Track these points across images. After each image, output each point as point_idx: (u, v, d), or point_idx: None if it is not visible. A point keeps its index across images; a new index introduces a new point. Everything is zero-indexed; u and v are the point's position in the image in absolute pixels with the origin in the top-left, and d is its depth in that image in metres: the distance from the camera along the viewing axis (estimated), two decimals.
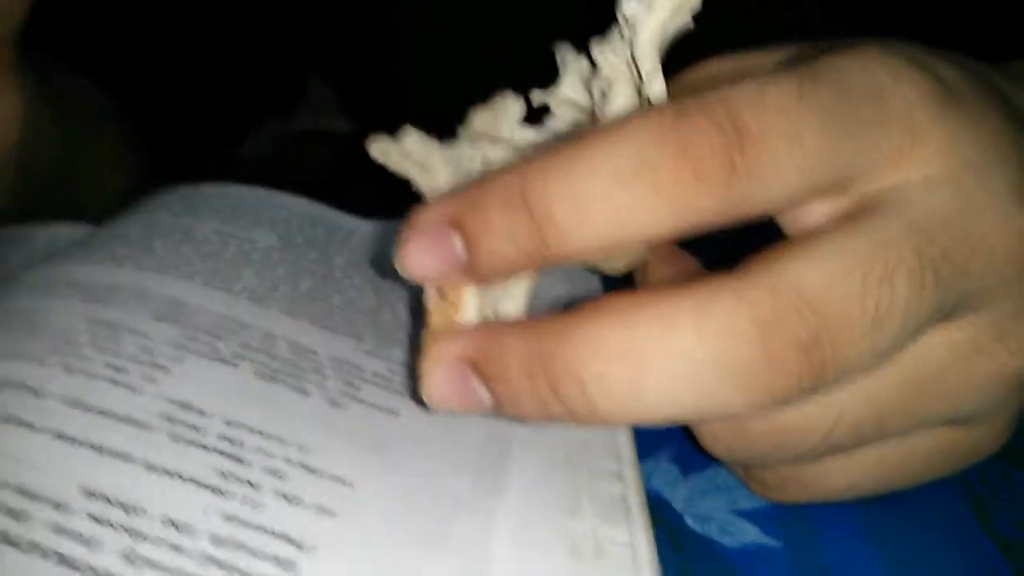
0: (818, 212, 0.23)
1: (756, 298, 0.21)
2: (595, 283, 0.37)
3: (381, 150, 0.26)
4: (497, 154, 0.26)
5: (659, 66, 0.24)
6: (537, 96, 0.27)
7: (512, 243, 0.22)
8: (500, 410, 0.23)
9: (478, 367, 0.23)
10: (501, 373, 0.22)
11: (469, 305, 0.24)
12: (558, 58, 0.27)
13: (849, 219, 0.22)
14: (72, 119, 0.48)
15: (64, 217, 0.42)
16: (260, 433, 0.25)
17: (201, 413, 0.25)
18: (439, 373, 0.23)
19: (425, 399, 0.23)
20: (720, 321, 0.21)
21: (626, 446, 0.28)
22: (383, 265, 0.36)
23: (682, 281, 0.22)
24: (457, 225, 0.22)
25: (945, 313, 0.23)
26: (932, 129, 0.23)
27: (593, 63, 0.25)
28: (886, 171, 0.23)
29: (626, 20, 0.24)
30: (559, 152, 0.22)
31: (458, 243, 0.22)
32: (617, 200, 0.21)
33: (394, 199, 0.29)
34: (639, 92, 0.24)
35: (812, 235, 0.22)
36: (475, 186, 0.22)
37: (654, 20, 0.24)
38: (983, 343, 0.24)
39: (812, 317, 0.21)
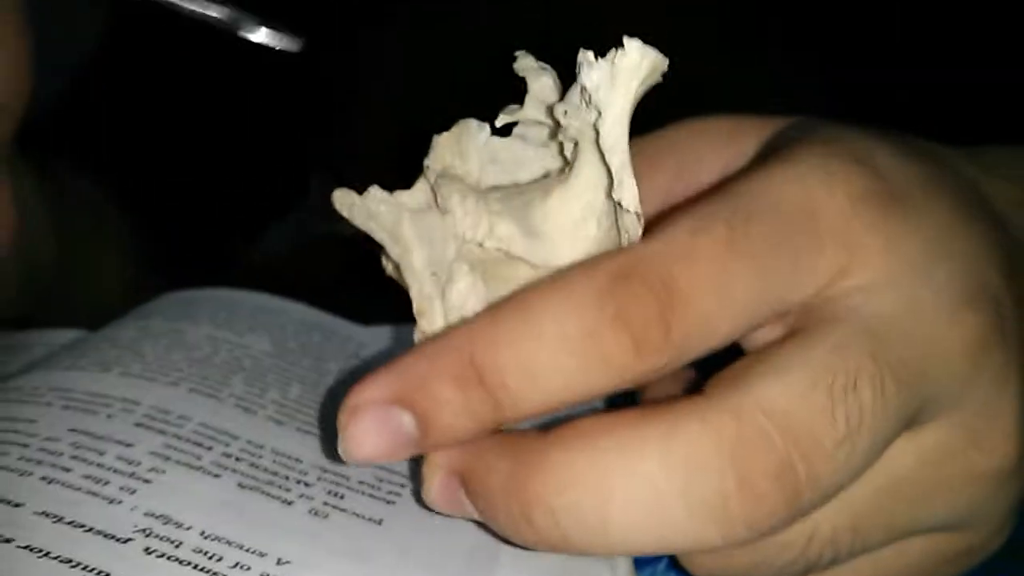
0: (769, 332, 0.23)
1: (721, 423, 0.21)
2: None
3: (346, 204, 0.25)
4: (467, 223, 0.25)
5: (628, 161, 0.23)
6: (502, 119, 0.26)
7: (467, 415, 0.22)
8: (486, 522, 0.23)
9: (463, 481, 0.23)
10: (482, 491, 0.22)
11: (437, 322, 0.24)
12: (519, 70, 0.26)
13: (801, 332, 0.22)
14: (71, 219, 0.49)
15: (61, 317, 0.42)
16: (239, 546, 0.24)
17: (178, 525, 0.24)
18: (436, 481, 0.23)
19: (430, 507, 0.24)
20: (685, 449, 0.20)
21: (623, 556, 0.27)
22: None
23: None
24: (405, 403, 0.22)
25: (911, 419, 0.22)
26: (870, 237, 0.23)
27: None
28: (825, 289, 0.23)
29: (588, 93, 0.23)
30: (505, 318, 0.22)
31: (408, 421, 0.22)
32: (564, 367, 0.21)
33: (401, 303, 0.28)
34: (609, 176, 0.24)
35: (770, 351, 0.22)
36: (420, 358, 0.22)
37: (619, 101, 0.23)
38: (954, 446, 0.23)
39: (781, 440, 0.20)
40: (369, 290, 0.31)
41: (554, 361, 0.21)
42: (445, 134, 0.27)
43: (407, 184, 0.26)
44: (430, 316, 0.25)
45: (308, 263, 0.59)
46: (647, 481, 0.20)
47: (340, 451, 0.23)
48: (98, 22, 0.55)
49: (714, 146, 0.29)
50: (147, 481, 0.26)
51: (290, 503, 0.26)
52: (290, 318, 0.38)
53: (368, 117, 0.54)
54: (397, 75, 0.51)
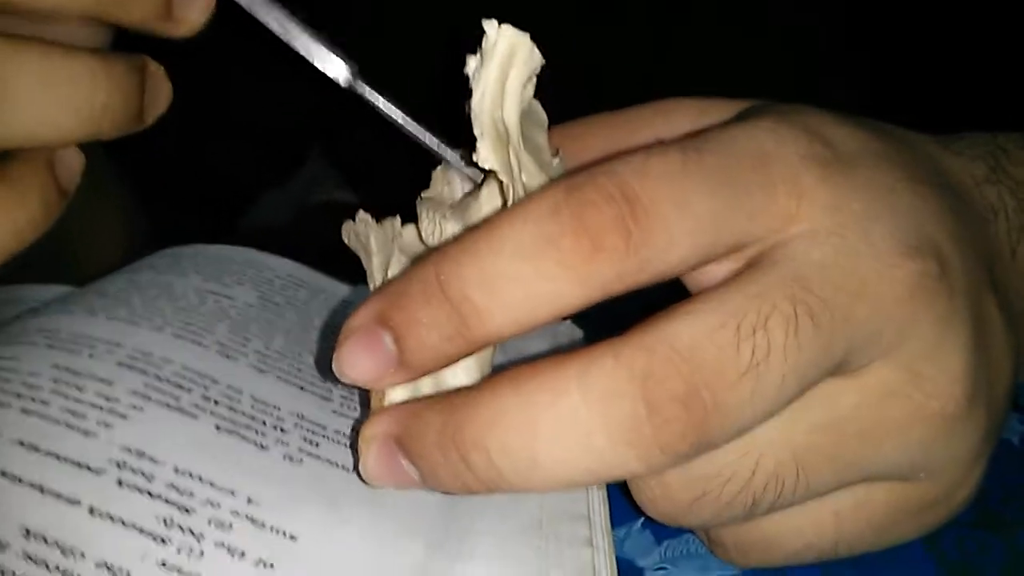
0: (717, 272, 0.24)
1: (633, 357, 0.22)
2: (578, 335, 0.37)
3: (345, 232, 0.28)
4: (427, 228, 0.27)
5: (491, 129, 0.25)
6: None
7: (436, 331, 0.23)
8: (426, 484, 0.24)
9: (401, 444, 0.24)
10: (420, 449, 0.23)
11: (397, 389, 0.25)
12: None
13: (733, 277, 0.23)
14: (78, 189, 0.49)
15: (56, 277, 0.42)
16: (210, 484, 0.24)
17: (152, 460, 0.25)
18: (372, 452, 0.24)
19: (364, 477, 0.24)
20: (601, 382, 0.22)
21: (599, 512, 0.27)
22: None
23: None
24: (384, 323, 0.23)
25: (840, 358, 0.23)
26: (817, 189, 0.24)
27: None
28: (775, 232, 0.24)
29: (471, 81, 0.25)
30: (468, 238, 0.23)
31: (388, 340, 0.23)
32: (524, 275, 0.22)
33: None
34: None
35: (694, 296, 0.23)
36: (397, 282, 0.23)
37: (487, 76, 0.25)
38: (895, 386, 0.24)
39: (687, 369, 0.22)
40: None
41: (512, 270, 0.22)
42: (439, 168, 0.29)
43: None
44: None
45: (302, 231, 0.59)
46: (569, 413, 0.22)
47: (335, 370, 0.24)
48: None
49: (688, 121, 0.30)
50: (124, 417, 0.26)
51: (265, 447, 0.27)
52: (277, 273, 0.38)
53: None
54: (397, 48, 0.52)
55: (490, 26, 0.25)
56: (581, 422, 0.22)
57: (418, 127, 0.28)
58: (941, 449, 0.25)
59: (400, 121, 0.28)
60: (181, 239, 0.44)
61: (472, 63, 0.25)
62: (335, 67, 0.28)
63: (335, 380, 0.24)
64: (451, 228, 0.26)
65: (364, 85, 0.28)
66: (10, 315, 0.39)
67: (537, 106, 0.28)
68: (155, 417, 0.26)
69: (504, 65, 0.25)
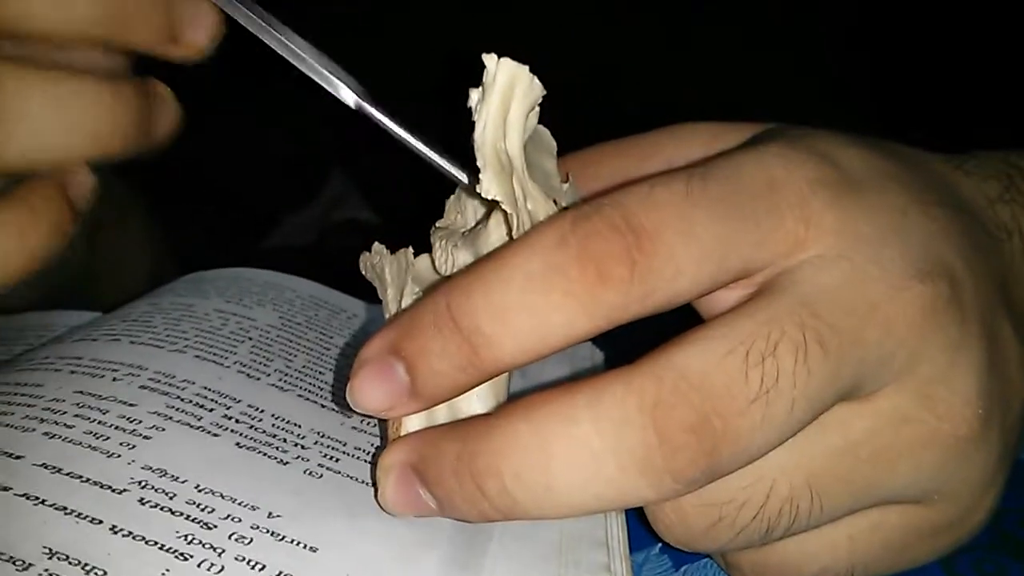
0: (729, 298, 0.24)
1: (643, 385, 0.22)
2: (599, 358, 0.37)
3: (362, 263, 0.29)
4: (440, 258, 0.28)
5: (493, 159, 0.25)
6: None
7: (447, 361, 0.23)
8: (444, 513, 0.24)
9: (418, 472, 0.24)
10: (436, 477, 0.24)
11: (412, 418, 0.25)
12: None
13: (742, 303, 0.23)
14: (98, 215, 0.49)
15: (83, 304, 0.43)
16: (231, 499, 0.24)
17: (174, 479, 0.25)
18: (390, 481, 0.25)
19: (383, 507, 0.25)
20: (612, 410, 0.22)
21: (618, 538, 0.27)
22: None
23: None
24: (397, 353, 0.24)
25: (851, 383, 0.23)
26: (826, 213, 0.24)
27: None
28: (784, 257, 0.24)
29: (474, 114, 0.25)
30: (478, 269, 0.23)
31: (400, 370, 0.24)
32: (533, 306, 0.22)
33: None
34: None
35: (703, 323, 0.23)
36: (410, 312, 0.24)
37: (488, 109, 0.25)
38: (907, 410, 0.24)
39: (697, 398, 0.22)
40: None
41: (522, 299, 0.22)
42: (452, 197, 0.30)
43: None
44: None
45: (324, 250, 0.60)
46: (581, 441, 0.22)
47: (349, 400, 0.24)
48: None
49: (700, 146, 0.30)
50: (146, 438, 0.26)
51: (286, 463, 0.27)
52: (298, 294, 0.39)
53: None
54: (414, 67, 0.52)
55: (489, 60, 0.25)
56: (593, 450, 0.22)
57: (427, 147, 0.29)
58: (954, 472, 0.24)
59: (409, 141, 0.29)
60: (205, 263, 0.44)
61: (474, 96, 0.25)
62: (344, 90, 0.29)
63: (351, 410, 0.24)
64: (463, 257, 0.27)
65: (373, 107, 0.29)
66: (36, 341, 0.40)
67: (545, 133, 0.28)
68: (176, 437, 0.27)
69: (505, 97, 0.25)
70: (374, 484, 0.25)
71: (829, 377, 0.22)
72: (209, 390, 0.29)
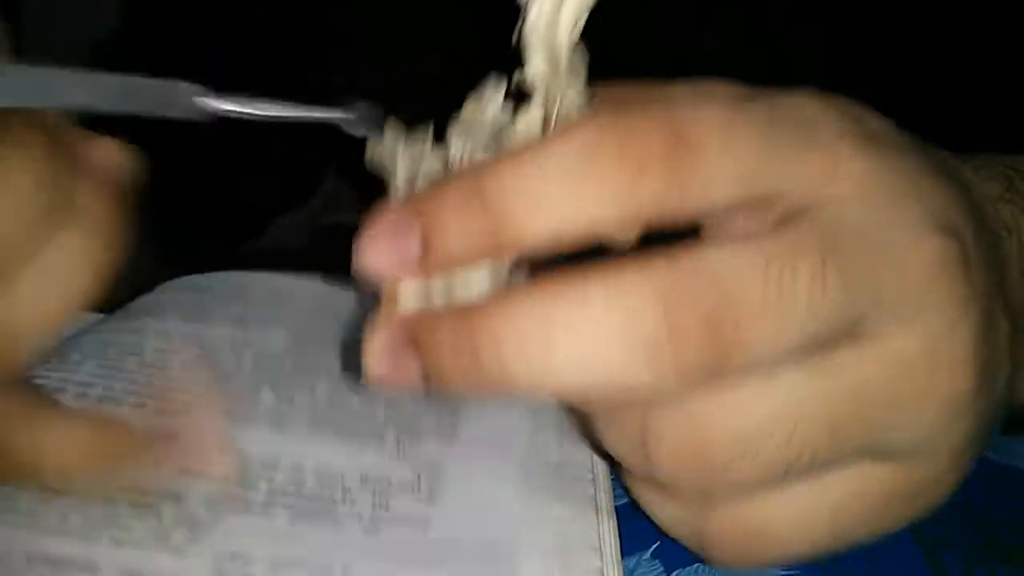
0: (743, 227, 0.25)
1: (662, 275, 0.22)
2: None
3: (370, 150, 0.29)
4: (454, 150, 0.28)
5: (539, 43, 0.25)
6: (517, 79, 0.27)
7: (467, 236, 0.24)
8: (428, 380, 0.25)
9: (413, 337, 0.25)
10: (431, 343, 0.24)
11: (409, 296, 0.26)
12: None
13: (765, 229, 0.24)
14: None
15: None
16: (303, 565, 0.26)
17: (247, 561, 0.27)
18: (378, 344, 0.25)
19: (366, 373, 0.25)
20: (627, 295, 0.22)
21: (610, 543, 0.29)
22: None
23: None
24: (416, 219, 0.24)
25: (862, 314, 0.24)
26: (854, 157, 0.25)
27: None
28: (809, 190, 0.24)
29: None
30: (513, 154, 0.24)
31: (414, 239, 0.24)
32: (565, 189, 0.23)
33: None
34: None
35: (728, 235, 0.24)
36: (435, 186, 0.25)
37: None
38: (912, 356, 0.25)
39: (714, 293, 0.22)
40: None
41: (555, 185, 0.23)
42: (473, 94, 0.29)
43: None
44: None
45: (317, 252, 0.60)
46: (590, 322, 0.22)
47: (356, 260, 0.25)
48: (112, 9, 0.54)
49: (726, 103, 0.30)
50: (207, 528, 0.28)
51: (340, 523, 0.28)
52: (304, 302, 0.39)
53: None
54: (407, 65, 0.51)
55: None
56: (601, 332, 0.22)
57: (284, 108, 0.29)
58: (944, 428, 0.26)
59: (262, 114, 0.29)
60: (194, 263, 0.44)
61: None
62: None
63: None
64: (480, 157, 0.27)
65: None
66: None
67: (579, 51, 0.27)
68: (233, 524, 0.28)
69: None
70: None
71: (842, 301, 0.23)
72: (249, 461, 0.30)
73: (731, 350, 0.23)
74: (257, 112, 0.29)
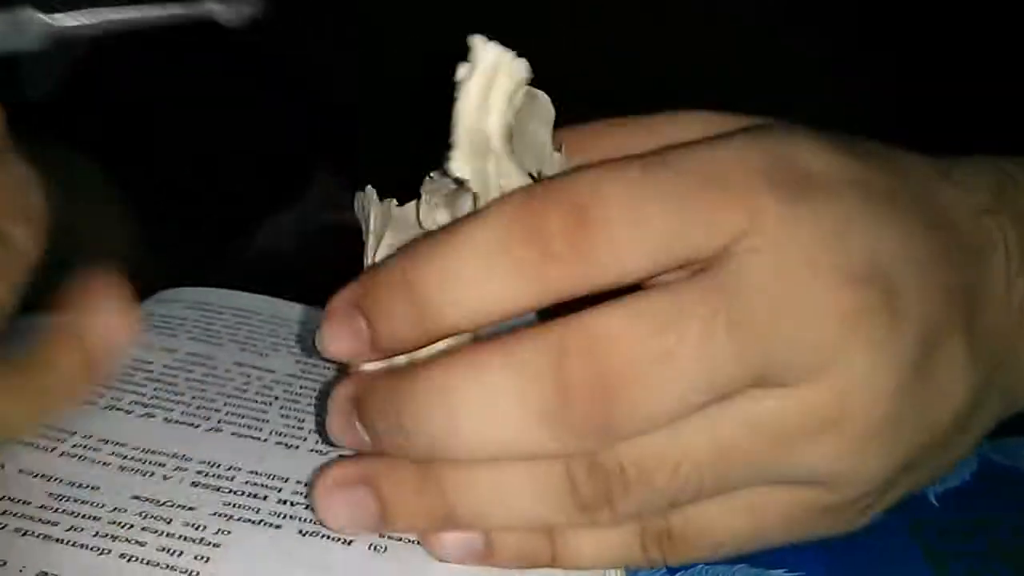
0: (666, 280, 0.25)
1: (552, 340, 0.24)
2: None
3: (356, 201, 0.31)
4: (422, 212, 0.29)
5: (465, 138, 0.27)
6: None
7: (401, 322, 0.26)
8: (373, 446, 0.27)
9: (355, 405, 0.27)
10: (367, 410, 0.27)
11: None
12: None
13: (663, 284, 0.25)
14: (80, 209, 0.49)
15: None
16: None
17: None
18: (334, 411, 0.28)
19: (332, 439, 0.28)
20: (520, 361, 0.24)
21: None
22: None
23: None
24: (359, 308, 0.26)
25: (759, 372, 0.24)
26: (770, 209, 0.25)
27: None
28: (721, 244, 0.25)
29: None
30: (435, 238, 0.25)
31: (362, 323, 0.26)
32: (478, 279, 0.25)
33: None
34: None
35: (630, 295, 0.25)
36: (375, 271, 0.27)
37: (471, 89, 0.27)
38: (817, 403, 0.25)
39: (598, 354, 0.24)
40: None
41: (468, 273, 0.24)
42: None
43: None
44: None
45: (309, 254, 0.60)
46: (489, 387, 0.24)
47: (318, 347, 0.28)
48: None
49: (698, 133, 0.30)
50: (216, 546, 0.28)
51: (349, 542, 0.29)
52: (307, 327, 0.40)
53: (374, 110, 0.55)
54: (399, 68, 0.51)
55: (476, 42, 0.27)
56: (499, 396, 0.24)
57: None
58: (851, 464, 0.26)
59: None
60: (188, 268, 0.45)
61: (461, 71, 0.27)
62: None
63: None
64: (442, 216, 0.29)
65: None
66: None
67: (544, 101, 0.29)
68: (243, 538, 0.28)
69: (488, 78, 0.27)
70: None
71: (731, 360, 0.24)
72: (257, 474, 0.31)
73: (618, 407, 0.24)
74: (110, 20, 0.29)
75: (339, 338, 0.27)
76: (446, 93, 0.27)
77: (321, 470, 0.28)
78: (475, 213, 0.26)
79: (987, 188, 0.30)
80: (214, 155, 0.56)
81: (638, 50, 0.49)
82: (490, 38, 0.27)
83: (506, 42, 0.27)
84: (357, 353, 0.27)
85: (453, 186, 0.29)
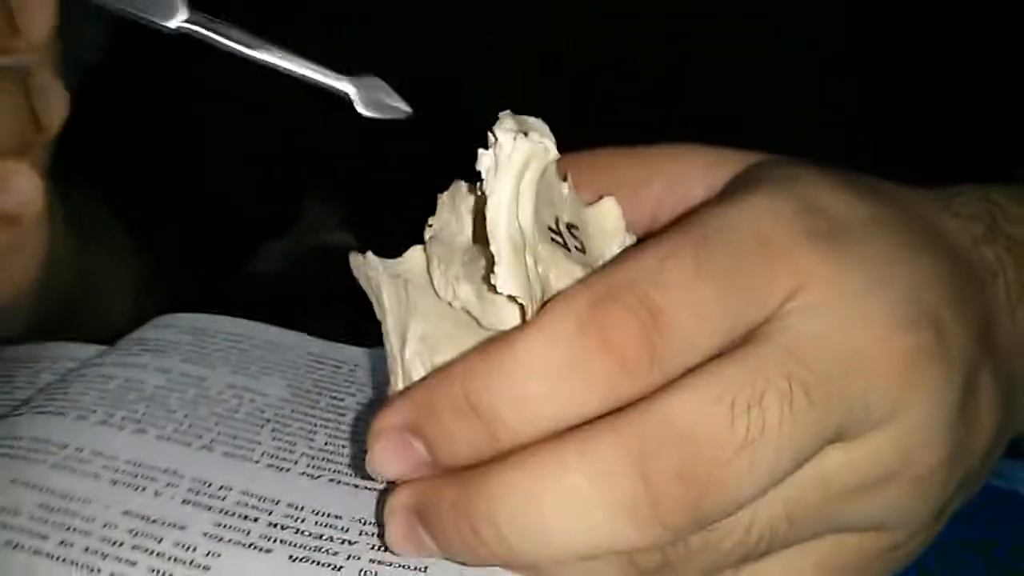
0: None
1: (629, 434, 0.23)
2: None
3: (354, 265, 0.29)
4: (440, 285, 0.28)
5: (508, 247, 0.25)
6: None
7: (468, 444, 0.25)
8: (444, 554, 0.26)
9: (419, 516, 0.26)
10: (435, 521, 0.26)
11: (416, 370, 0.27)
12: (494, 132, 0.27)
13: (729, 351, 0.25)
14: (89, 240, 0.50)
15: (69, 331, 0.44)
16: None
17: None
18: (395, 524, 0.27)
19: (391, 549, 0.27)
20: (601, 459, 0.23)
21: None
22: None
23: None
24: (415, 432, 0.26)
25: (834, 432, 0.25)
26: (815, 265, 0.25)
27: None
28: (773, 309, 0.25)
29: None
30: (495, 354, 0.24)
31: (420, 447, 0.26)
32: (553, 394, 0.24)
33: None
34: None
35: (690, 371, 0.24)
36: (424, 391, 0.26)
37: (502, 188, 0.25)
38: (886, 458, 0.26)
39: (683, 446, 0.23)
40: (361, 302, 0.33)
41: (542, 390, 0.24)
42: (445, 194, 0.30)
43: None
44: (394, 376, 0.29)
45: (300, 276, 0.61)
46: (571, 490, 0.23)
47: (368, 470, 0.27)
48: (98, 42, 0.55)
49: (699, 169, 0.32)
50: (206, 568, 0.28)
51: (340, 568, 0.29)
52: (298, 353, 0.40)
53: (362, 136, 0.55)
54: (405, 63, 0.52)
55: (504, 136, 0.26)
56: (583, 498, 0.23)
57: (288, 60, 0.29)
58: (909, 507, 0.27)
59: (260, 58, 0.29)
60: (184, 292, 0.45)
61: (485, 160, 0.26)
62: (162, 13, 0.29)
63: (370, 478, 0.27)
64: (465, 291, 0.28)
65: (200, 22, 0.29)
66: (28, 376, 0.41)
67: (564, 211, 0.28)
68: (233, 561, 0.29)
69: (519, 174, 0.26)
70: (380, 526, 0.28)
71: (814, 426, 0.24)
72: (248, 495, 0.31)
73: (708, 495, 0.23)
74: (265, 56, 0.29)
75: (394, 461, 0.26)
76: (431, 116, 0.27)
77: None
78: (537, 323, 0.24)
79: (980, 219, 0.31)
80: (213, 185, 0.56)
81: (637, 50, 0.49)
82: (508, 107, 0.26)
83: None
84: (413, 473, 0.26)
85: (461, 244, 0.29)
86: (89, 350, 0.42)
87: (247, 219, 0.59)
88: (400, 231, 0.31)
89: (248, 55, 0.29)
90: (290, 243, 0.62)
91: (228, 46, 0.29)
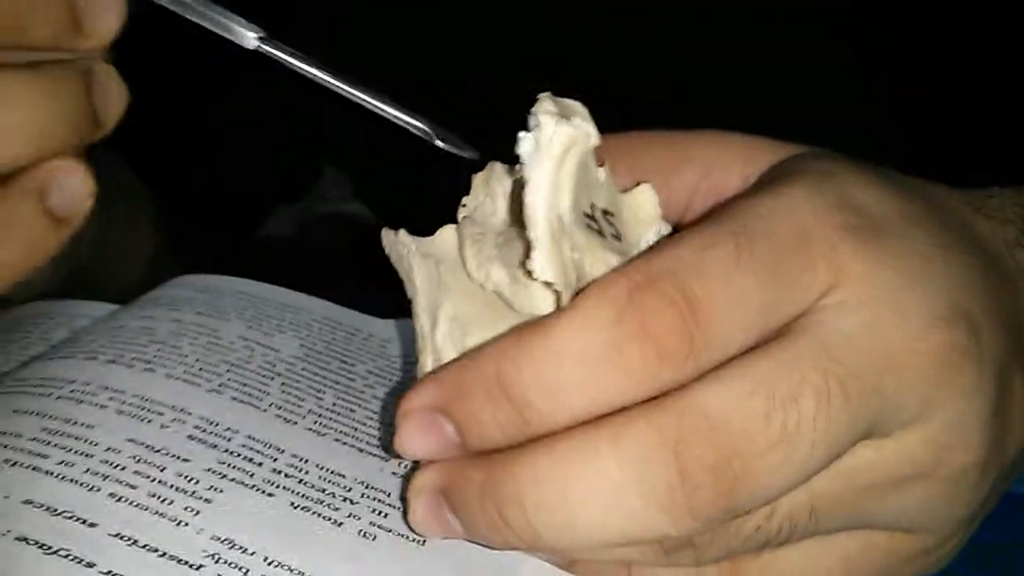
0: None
1: (666, 422, 0.23)
2: None
3: (388, 243, 0.29)
4: (472, 266, 0.28)
5: (546, 232, 0.25)
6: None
7: (498, 427, 0.24)
8: (469, 537, 0.26)
9: (446, 497, 0.26)
10: (462, 503, 0.25)
11: (446, 352, 0.27)
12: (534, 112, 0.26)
13: (764, 344, 0.24)
14: (111, 200, 0.50)
15: (86, 291, 0.44)
16: (300, 573, 0.26)
17: (243, 551, 0.26)
18: (420, 504, 0.26)
19: (412, 527, 0.27)
20: (634, 446, 0.23)
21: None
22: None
23: None
24: (445, 413, 0.25)
25: (867, 429, 0.24)
26: (853, 260, 0.25)
27: None
28: (809, 303, 0.25)
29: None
30: (528, 339, 0.24)
31: (450, 428, 0.25)
32: (588, 383, 0.23)
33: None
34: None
35: (725, 363, 0.24)
36: (455, 373, 0.25)
37: (541, 173, 0.25)
38: (917, 457, 0.25)
39: (718, 437, 0.23)
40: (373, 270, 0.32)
41: (576, 375, 0.23)
42: (479, 174, 0.30)
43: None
44: (424, 356, 0.28)
45: (312, 242, 0.61)
46: (603, 475, 0.23)
47: (396, 448, 0.26)
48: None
49: (736, 158, 0.31)
50: (207, 501, 0.28)
51: (340, 523, 0.28)
52: (314, 316, 0.40)
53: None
54: (411, 63, 0.52)
55: (547, 119, 0.25)
56: (615, 484, 0.23)
57: (359, 92, 0.29)
58: (941, 509, 0.27)
59: (328, 81, 0.29)
60: (199, 254, 0.45)
61: (525, 145, 0.25)
62: (240, 34, 0.29)
63: (398, 456, 0.26)
64: (498, 273, 0.27)
65: (275, 47, 0.29)
66: (42, 333, 0.41)
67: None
68: (234, 498, 0.28)
69: (560, 160, 0.25)
70: (403, 506, 0.28)
71: (848, 423, 0.24)
72: (254, 440, 0.31)
73: (740, 487, 0.23)
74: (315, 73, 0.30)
75: (422, 442, 0.26)
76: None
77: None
78: (574, 310, 0.24)
79: (1013, 222, 0.31)
80: (226, 151, 0.56)
81: (644, 49, 0.49)
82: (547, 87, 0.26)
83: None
84: (444, 454, 0.26)
85: (495, 225, 0.29)
86: (103, 308, 0.42)
87: (262, 183, 0.59)
88: (411, 201, 0.30)
89: (325, 82, 0.30)
90: (300, 210, 0.62)
91: (305, 70, 0.30)
